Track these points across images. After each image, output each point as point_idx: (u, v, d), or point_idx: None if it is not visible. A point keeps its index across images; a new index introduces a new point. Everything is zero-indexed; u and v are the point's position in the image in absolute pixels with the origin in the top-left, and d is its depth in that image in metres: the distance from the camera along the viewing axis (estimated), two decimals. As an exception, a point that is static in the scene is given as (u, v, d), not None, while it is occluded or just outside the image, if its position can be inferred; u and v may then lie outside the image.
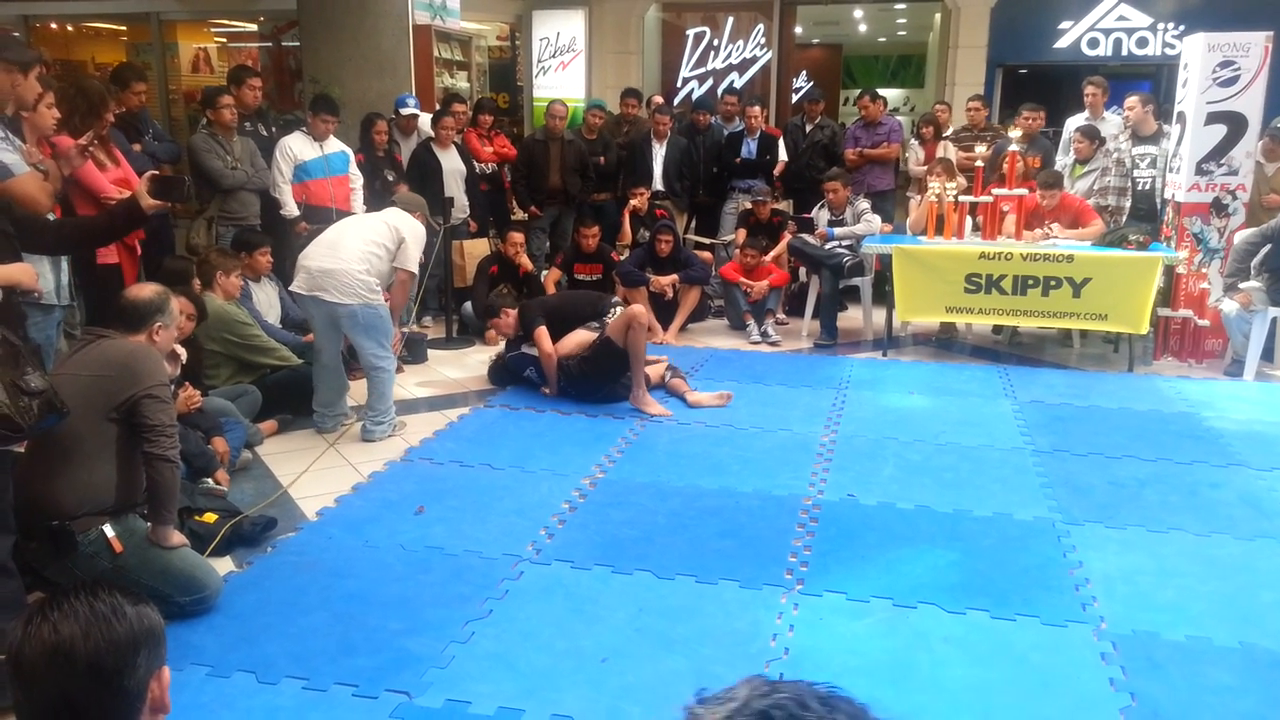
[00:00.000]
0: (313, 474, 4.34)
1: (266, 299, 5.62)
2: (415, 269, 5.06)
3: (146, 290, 3.22)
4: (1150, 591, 3.29)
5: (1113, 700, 2.68)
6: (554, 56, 10.59)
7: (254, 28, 10.51)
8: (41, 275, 3.50)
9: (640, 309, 5.51)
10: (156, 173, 3.62)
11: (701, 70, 10.83)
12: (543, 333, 5.40)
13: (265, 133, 6.51)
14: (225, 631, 2.99)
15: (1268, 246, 6.00)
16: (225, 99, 5.97)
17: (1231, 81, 6.15)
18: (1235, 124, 6.18)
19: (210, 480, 3.95)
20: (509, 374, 5.70)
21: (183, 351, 3.91)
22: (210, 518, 3.55)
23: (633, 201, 7.77)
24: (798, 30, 11.35)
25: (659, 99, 9.08)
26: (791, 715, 0.81)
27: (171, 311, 3.23)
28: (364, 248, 4.80)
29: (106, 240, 4.06)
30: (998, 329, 7.25)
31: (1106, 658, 2.88)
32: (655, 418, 5.13)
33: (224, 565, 3.42)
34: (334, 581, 3.31)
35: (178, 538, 3.11)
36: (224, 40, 10.77)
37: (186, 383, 4.08)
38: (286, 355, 5.08)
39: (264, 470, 4.44)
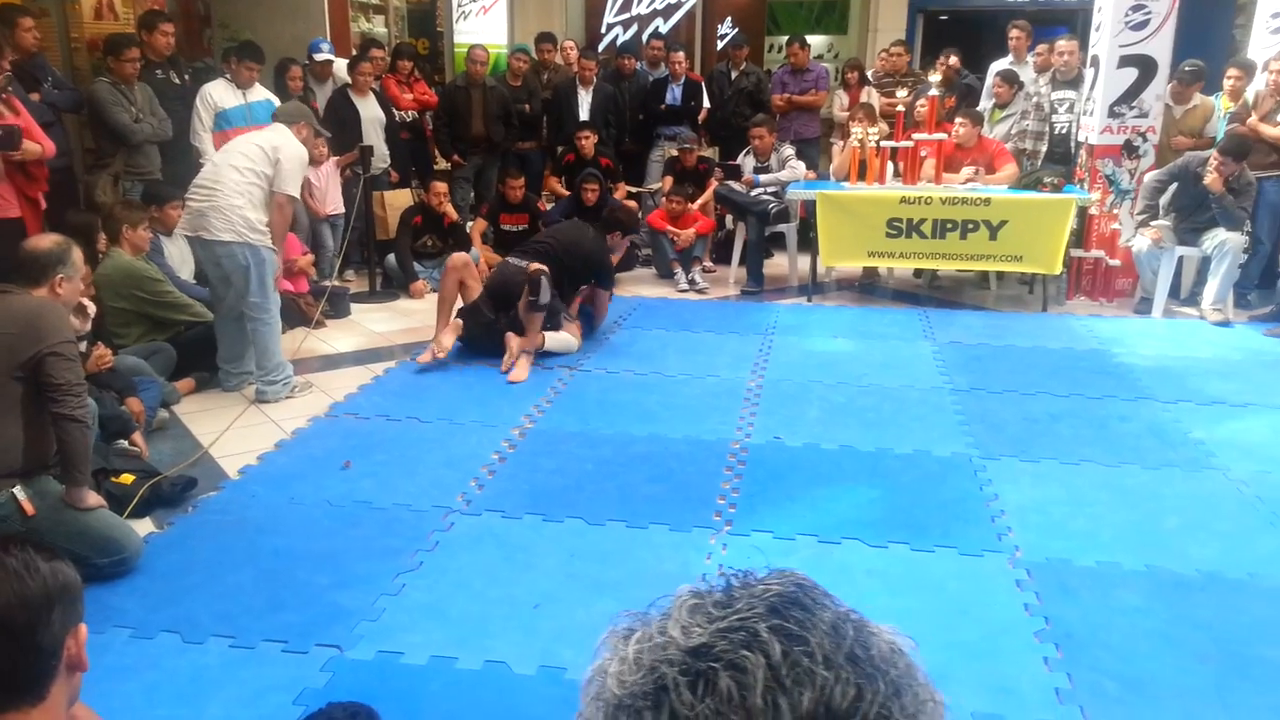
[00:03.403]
0: (234, 432, 4.25)
1: (179, 253, 5.43)
2: (294, 191, 4.62)
3: (46, 241, 3.10)
4: (1062, 521, 3.43)
5: (1027, 624, 2.79)
6: (475, 1, 10.34)
7: (158, -29, 10.03)
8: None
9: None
10: None
11: (626, 16, 10.66)
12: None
13: (178, 80, 6.26)
14: (148, 593, 2.93)
15: (1175, 185, 6.19)
16: (131, 50, 5.69)
17: (1143, 25, 6.29)
18: (1146, 67, 6.33)
19: (126, 442, 3.84)
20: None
21: (92, 306, 3.78)
22: (127, 479, 3.46)
23: (583, 143, 7.60)
24: (721, -26, 11.23)
25: (569, 44, 8.90)
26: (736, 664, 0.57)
27: (74, 262, 3.10)
28: (239, 178, 4.43)
29: None
30: (918, 272, 7.38)
31: (1021, 584, 3.00)
32: (549, 364, 5.11)
33: (144, 527, 3.34)
34: (259, 539, 3.27)
35: (94, 499, 3.03)
36: (128, -15, 10.26)
37: (99, 341, 3.95)
38: (201, 311, 4.93)
39: (182, 430, 4.33)
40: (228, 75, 6.25)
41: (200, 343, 4.83)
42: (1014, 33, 7.60)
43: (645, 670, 0.58)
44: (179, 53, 6.58)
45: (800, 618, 0.58)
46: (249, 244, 4.47)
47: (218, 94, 6.11)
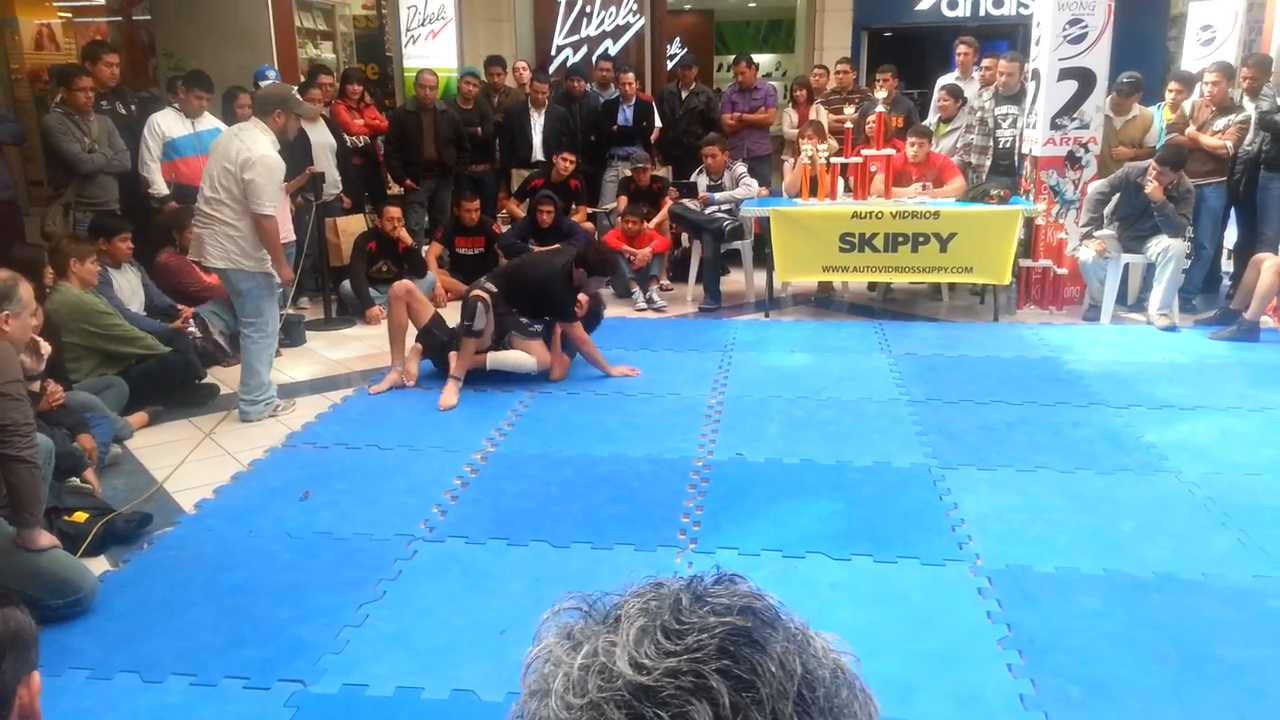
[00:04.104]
0: (189, 466, 4.18)
1: (129, 285, 5.36)
2: (270, 208, 4.45)
3: (-10, 277, 3.03)
4: (1021, 528, 3.48)
5: (990, 631, 2.83)
6: (423, 25, 10.31)
7: (102, 2, 9.93)
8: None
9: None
10: None
11: (575, 38, 10.72)
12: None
13: (124, 111, 6.19)
14: (105, 633, 2.87)
15: (1117, 196, 6.34)
16: (83, 80, 5.61)
17: (1080, 39, 6.45)
18: (1085, 80, 6.49)
19: (78, 479, 3.76)
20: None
21: (47, 345, 3.71)
22: (81, 517, 3.39)
23: (564, 165, 7.54)
24: (669, -4, 11.35)
25: (522, 65, 8.94)
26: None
27: (20, 299, 3.03)
28: (218, 204, 4.44)
29: None
30: (872, 286, 7.47)
31: (983, 592, 3.04)
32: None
33: (99, 565, 3.28)
34: (218, 574, 3.21)
35: (46, 539, 2.96)
36: (69, 15, 10.14)
37: (50, 378, 3.87)
38: (152, 344, 4.86)
39: (136, 465, 4.25)
40: (175, 104, 6.19)
41: (153, 375, 4.76)
42: (961, 48, 7.76)
43: (590, 705, 0.56)
44: (124, 83, 6.51)
45: (749, 658, 0.56)
46: (241, 270, 4.51)
47: (166, 124, 6.05)
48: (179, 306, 5.61)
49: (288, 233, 6.71)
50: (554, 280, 5.19)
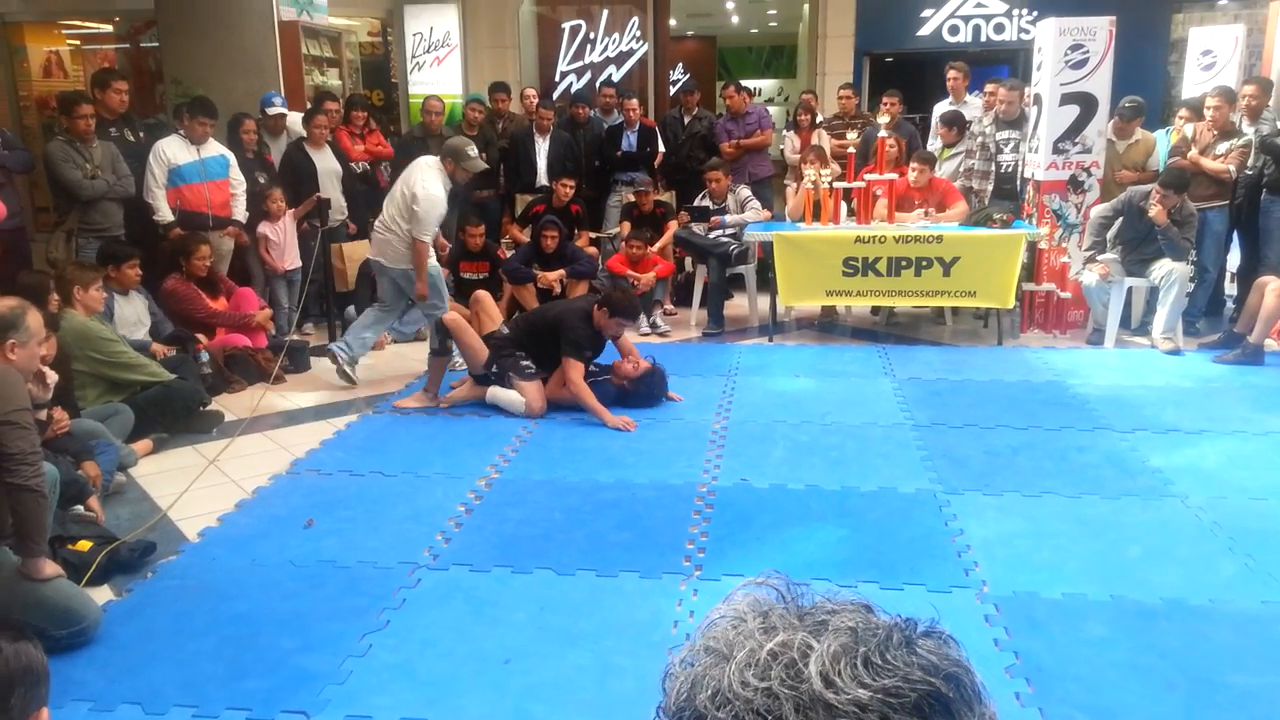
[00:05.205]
0: (193, 493, 4.17)
1: (134, 313, 5.38)
2: (425, 236, 5.39)
3: (-1, 304, 3.04)
4: (1027, 553, 3.46)
5: (998, 659, 2.80)
6: (428, 52, 10.41)
7: (109, 29, 10.03)
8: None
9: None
10: None
11: (579, 64, 10.81)
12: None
13: (131, 138, 6.23)
14: (108, 663, 2.86)
15: (1120, 220, 6.35)
16: (84, 107, 5.64)
17: (1082, 64, 6.48)
18: (1087, 104, 6.52)
19: (82, 507, 3.76)
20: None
21: (54, 374, 3.71)
22: (85, 545, 3.39)
23: (564, 190, 7.54)
24: (672, 23, 11.43)
25: (531, 92, 9.01)
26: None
27: (28, 327, 3.04)
28: (393, 219, 5.45)
29: None
30: (875, 310, 7.48)
31: (990, 619, 3.02)
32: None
33: (102, 594, 3.27)
34: (221, 603, 3.20)
35: (51, 568, 2.96)
36: (77, 43, 10.23)
37: (58, 405, 3.87)
38: (157, 370, 4.87)
39: (140, 493, 4.25)
40: (181, 131, 6.23)
41: (158, 403, 4.77)
42: (951, 74, 7.81)
43: (768, 693, 0.56)
44: (131, 110, 6.56)
45: None
46: (405, 270, 5.54)
47: (171, 150, 6.09)
48: (199, 336, 5.65)
49: (294, 260, 6.77)
50: (571, 315, 5.18)
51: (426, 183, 5.36)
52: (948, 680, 0.58)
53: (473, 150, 5.67)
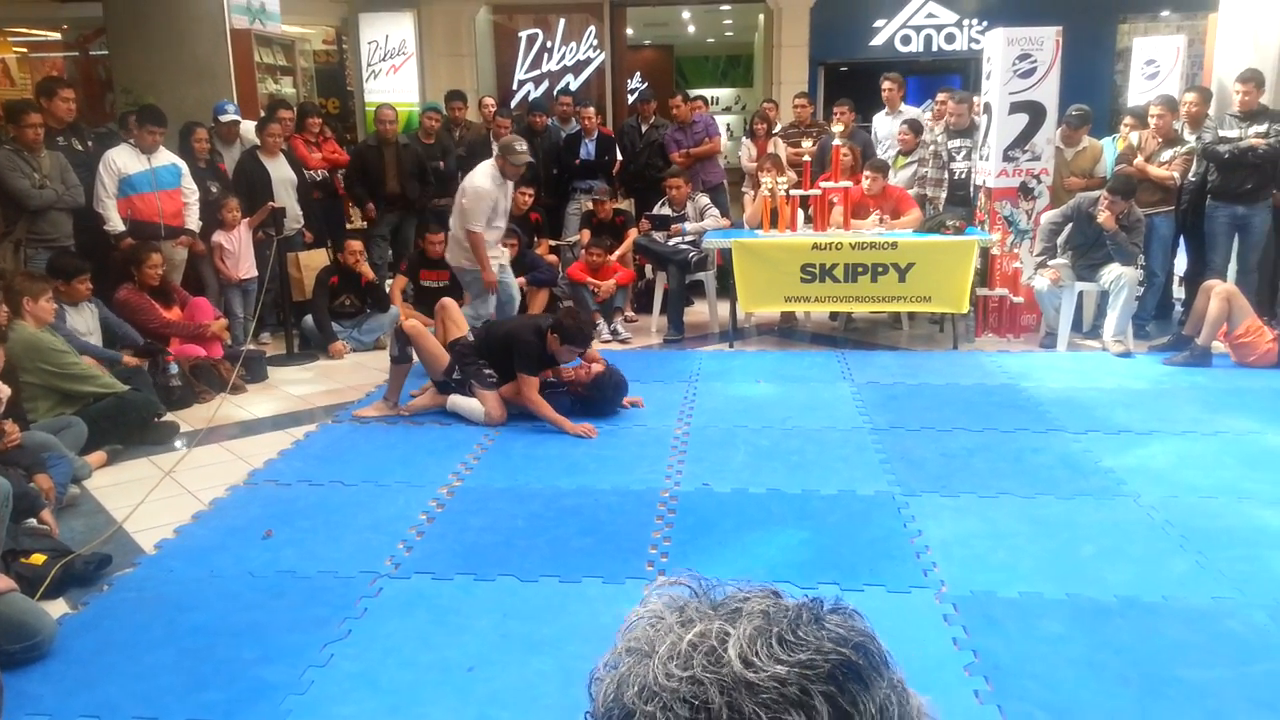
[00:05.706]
0: (149, 505, 4.11)
1: (84, 324, 5.29)
2: (473, 225, 5.79)
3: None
4: (984, 553, 3.52)
5: (957, 658, 2.85)
6: (384, 60, 10.37)
7: (58, 36, 9.85)
8: None
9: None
10: None
11: (537, 72, 10.82)
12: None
13: (80, 147, 6.12)
14: (63, 677, 2.81)
15: (1070, 225, 6.48)
16: (32, 116, 5.53)
17: (1030, 73, 6.62)
18: (1035, 113, 6.65)
19: (35, 520, 3.68)
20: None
21: (7, 389, 3.64)
22: (38, 559, 3.32)
23: (523, 199, 7.51)
24: (629, 32, 11.49)
25: (488, 100, 9.01)
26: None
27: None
28: (454, 220, 5.97)
29: None
30: (834, 315, 7.56)
31: (949, 619, 3.06)
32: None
33: (57, 608, 3.20)
34: (179, 615, 3.16)
35: (4, 583, 2.91)
36: (24, 50, 10.04)
37: (9, 418, 3.79)
38: (109, 382, 4.79)
39: (94, 505, 4.17)
40: (131, 140, 6.14)
41: (111, 414, 4.69)
42: (886, 85, 7.95)
43: (692, 680, 0.59)
44: (80, 119, 6.45)
45: (854, 692, 0.59)
46: (463, 268, 6.06)
47: (121, 160, 6.00)
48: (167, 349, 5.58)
49: (249, 269, 6.69)
50: (525, 331, 5.13)
51: (474, 177, 5.86)
52: (857, 649, 0.62)
53: (520, 146, 6.03)
